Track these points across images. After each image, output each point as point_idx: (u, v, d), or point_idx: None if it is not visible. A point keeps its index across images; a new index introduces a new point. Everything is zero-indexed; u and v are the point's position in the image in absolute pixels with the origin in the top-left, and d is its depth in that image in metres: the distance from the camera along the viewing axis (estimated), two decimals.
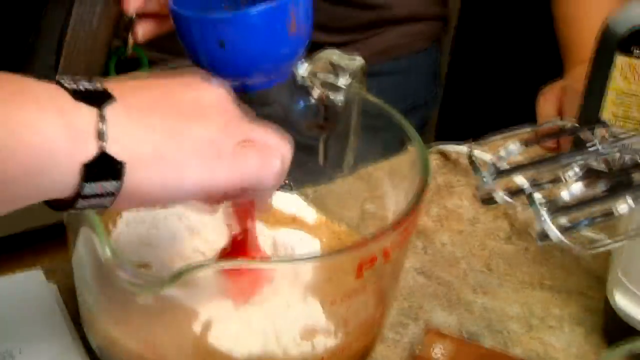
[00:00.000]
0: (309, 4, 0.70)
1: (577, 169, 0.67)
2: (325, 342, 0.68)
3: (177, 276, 0.60)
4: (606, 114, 0.94)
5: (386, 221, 0.81)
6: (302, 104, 0.80)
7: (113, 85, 0.57)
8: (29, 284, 0.53)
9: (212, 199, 0.61)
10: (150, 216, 0.79)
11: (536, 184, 0.66)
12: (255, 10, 0.67)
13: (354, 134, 0.81)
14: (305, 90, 0.79)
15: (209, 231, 0.79)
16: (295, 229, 0.81)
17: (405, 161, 0.78)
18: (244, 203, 0.69)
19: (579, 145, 0.70)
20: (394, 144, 0.78)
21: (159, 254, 0.76)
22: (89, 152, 0.53)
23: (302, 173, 0.86)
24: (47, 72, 0.74)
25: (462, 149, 1.01)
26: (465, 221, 0.94)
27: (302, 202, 0.84)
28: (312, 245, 0.80)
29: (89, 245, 0.65)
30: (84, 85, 0.55)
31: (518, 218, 0.95)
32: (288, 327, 0.67)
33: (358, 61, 0.79)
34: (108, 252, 0.61)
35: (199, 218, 0.79)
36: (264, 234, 0.79)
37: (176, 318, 0.67)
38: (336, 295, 0.66)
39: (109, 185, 0.55)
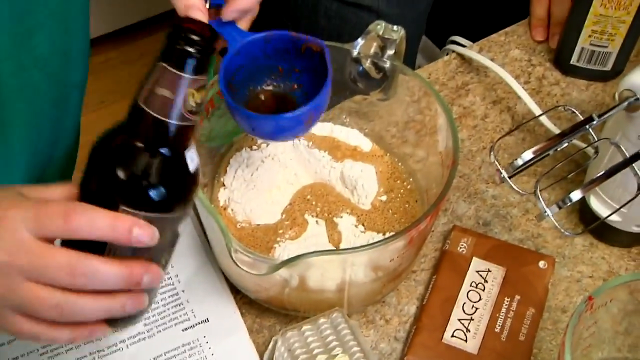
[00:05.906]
0: (325, 101, 0.67)
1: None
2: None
3: (284, 263, 0.63)
4: (586, 30, 0.91)
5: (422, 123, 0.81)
6: (360, 69, 0.78)
7: None
8: None
9: None
10: (251, 160, 0.80)
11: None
12: (279, 117, 0.66)
13: (394, 85, 0.80)
14: (359, 61, 0.78)
15: (295, 164, 0.81)
16: (356, 160, 0.82)
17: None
18: None
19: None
20: None
21: (260, 192, 0.78)
22: None
23: (359, 114, 0.85)
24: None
25: (474, 54, 0.97)
26: (477, 118, 0.94)
27: (360, 134, 0.84)
28: (369, 171, 0.81)
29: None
30: None
31: (517, 111, 0.94)
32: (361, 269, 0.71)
33: (400, 30, 0.77)
34: (231, 245, 0.64)
35: (287, 156, 0.81)
36: (333, 167, 0.81)
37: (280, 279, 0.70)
38: (394, 254, 0.69)
39: None
